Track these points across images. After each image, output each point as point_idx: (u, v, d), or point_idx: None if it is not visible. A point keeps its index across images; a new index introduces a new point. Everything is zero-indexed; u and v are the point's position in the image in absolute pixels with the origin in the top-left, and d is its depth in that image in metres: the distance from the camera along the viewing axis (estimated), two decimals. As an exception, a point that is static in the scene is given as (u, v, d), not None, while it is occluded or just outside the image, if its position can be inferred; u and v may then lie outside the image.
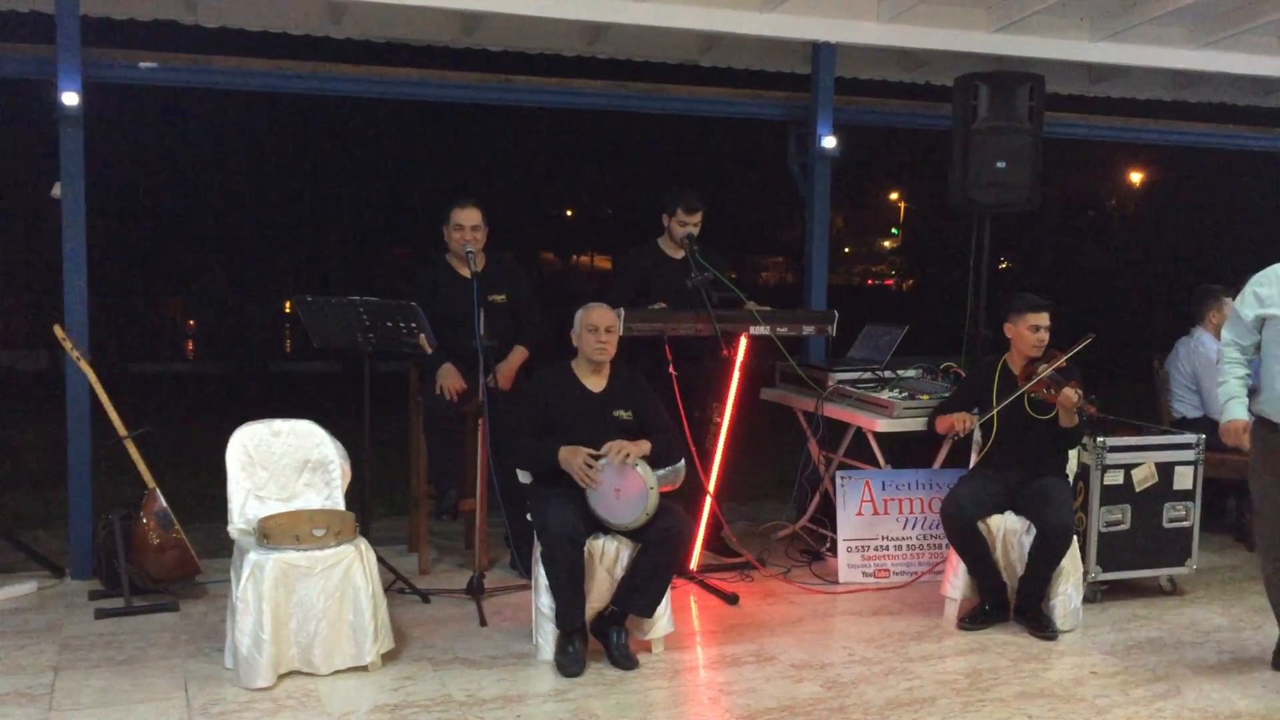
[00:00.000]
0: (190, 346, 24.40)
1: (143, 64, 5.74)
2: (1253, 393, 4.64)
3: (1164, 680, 4.55)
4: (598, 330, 4.74)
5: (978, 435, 5.39)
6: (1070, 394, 4.93)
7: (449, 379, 5.50)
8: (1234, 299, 6.68)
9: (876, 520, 5.81)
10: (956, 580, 5.18)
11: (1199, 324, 6.67)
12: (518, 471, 4.87)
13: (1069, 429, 5.07)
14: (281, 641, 4.27)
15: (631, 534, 4.57)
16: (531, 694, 4.29)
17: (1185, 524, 5.50)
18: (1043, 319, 5.19)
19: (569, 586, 4.44)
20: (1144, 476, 5.41)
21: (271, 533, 4.35)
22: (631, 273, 5.98)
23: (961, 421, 5.21)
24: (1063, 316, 5.46)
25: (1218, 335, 6.57)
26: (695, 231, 5.80)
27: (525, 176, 27.05)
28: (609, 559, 4.60)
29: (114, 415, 5.16)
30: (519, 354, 5.70)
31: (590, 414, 4.71)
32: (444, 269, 5.73)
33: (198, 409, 12.30)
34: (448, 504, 5.68)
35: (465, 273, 5.56)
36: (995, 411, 5.14)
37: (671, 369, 5.41)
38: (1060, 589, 5.04)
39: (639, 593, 4.56)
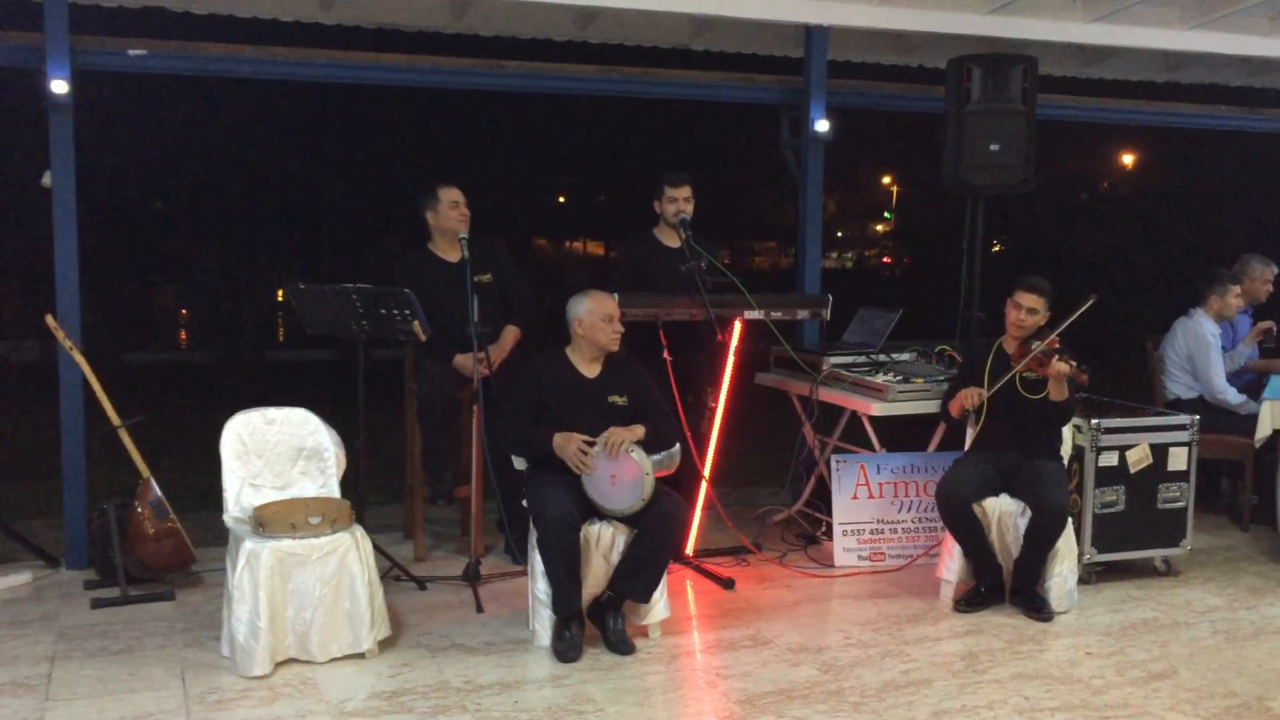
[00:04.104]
0: (183, 335, 24.33)
1: (132, 51, 5.70)
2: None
3: (1159, 660, 4.56)
4: (613, 319, 4.73)
5: (971, 417, 5.40)
6: (1060, 365, 4.92)
7: (466, 363, 5.41)
8: (1239, 285, 6.69)
9: (872, 504, 5.81)
10: (952, 563, 5.19)
11: (1200, 305, 6.63)
12: (513, 458, 4.87)
13: (1060, 404, 5.06)
14: (278, 630, 4.27)
15: (627, 519, 4.57)
16: (529, 680, 4.29)
17: (1180, 505, 5.52)
18: (1028, 299, 5.18)
19: (565, 572, 4.44)
20: (1138, 458, 5.42)
21: (267, 521, 4.35)
22: (626, 264, 5.97)
23: (969, 398, 5.18)
24: (1055, 299, 5.46)
25: (1218, 319, 6.57)
26: (689, 210, 5.77)
27: (517, 162, 26.97)
28: (605, 544, 4.60)
29: (107, 405, 5.14)
30: (511, 334, 5.67)
31: (586, 400, 4.70)
32: (428, 256, 5.70)
33: (191, 398, 12.29)
34: (443, 490, 5.67)
35: (451, 258, 5.54)
36: (991, 393, 5.13)
37: (666, 354, 5.41)
38: (1055, 571, 5.06)
39: (635, 578, 4.56)
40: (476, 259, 5.55)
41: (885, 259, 35.69)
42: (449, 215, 5.57)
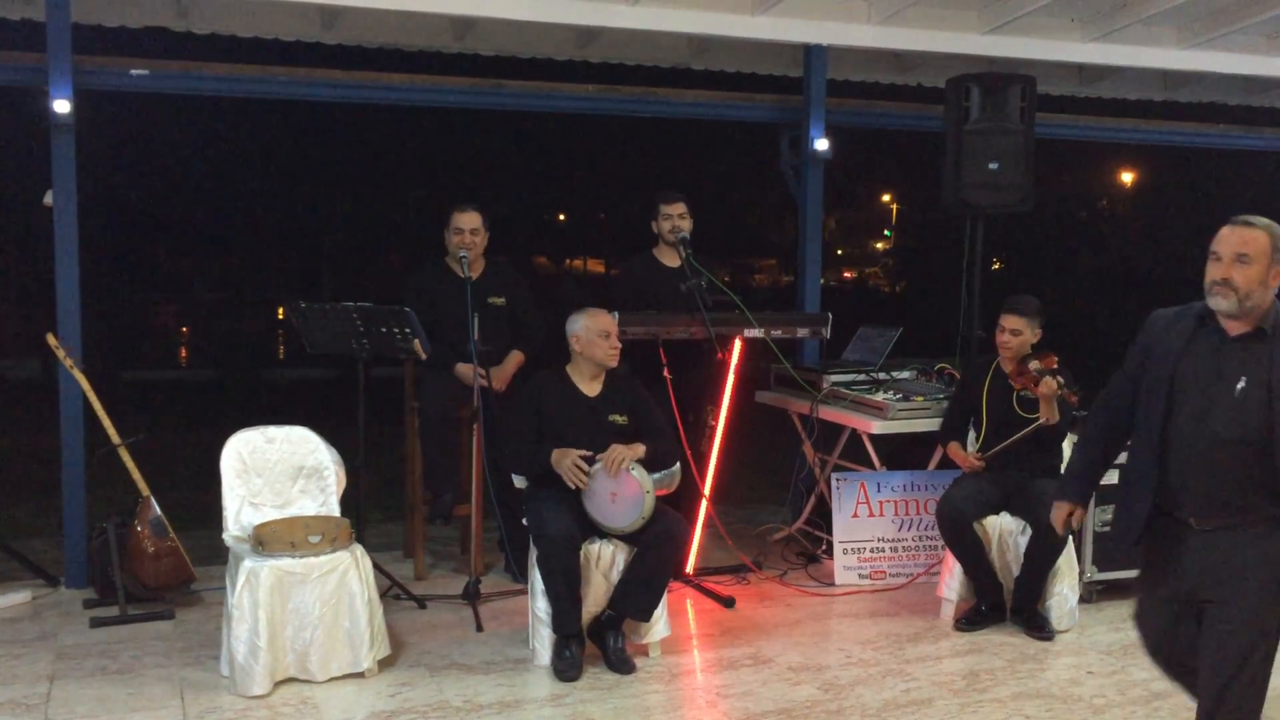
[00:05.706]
0: (184, 353, 24.35)
1: (134, 71, 5.72)
2: None
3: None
4: (610, 335, 4.74)
5: (972, 436, 5.41)
6: (1050, 381, 4.91)
7: (467, 372, 5.39)
8: None
9: (872, 522, 5.81)
10: (952, 581, 5.18)
11: None
12: (513, 476, 4.87)
13: (1054, 427, 5.04)
14: (277, 649, 4.26)
15: (628, 538, 4.57)
16: (528, 699, 4.28)
17: (1180, 523, 5.50)
18: (1009, 321, 5.19)
19: (565, 591, 4.43)
20: (1139, 476, 5.40)
21: (267, 540, 4.34)
22: (626, 286, 5.97)
23: (969, 464, 5.22)
24: (1054, 317, 5.46)
25: None
26: (686, 227, 5.78)
27: (518, 181, 27.08)
28: (605, 563, 4.60)
29: (107, 423, 5.14)
30: (515, 358, 5.68)
31: (586, 418, 4.71)
32: (444, 271, 5.71)
33: (191, 416, 12.29)
34: (443, 509, 5.66)
35: (462, 274, 5.56)
36: (997, 449, 5.13)
37: (666, 373, 5.41)
38: (1056, 589, 5.05)
39: (635, 597, 4.56)
40: (492, 282, 5.58)
41: (874, 275, 35.81)
42: (451, 240, 5.60)
